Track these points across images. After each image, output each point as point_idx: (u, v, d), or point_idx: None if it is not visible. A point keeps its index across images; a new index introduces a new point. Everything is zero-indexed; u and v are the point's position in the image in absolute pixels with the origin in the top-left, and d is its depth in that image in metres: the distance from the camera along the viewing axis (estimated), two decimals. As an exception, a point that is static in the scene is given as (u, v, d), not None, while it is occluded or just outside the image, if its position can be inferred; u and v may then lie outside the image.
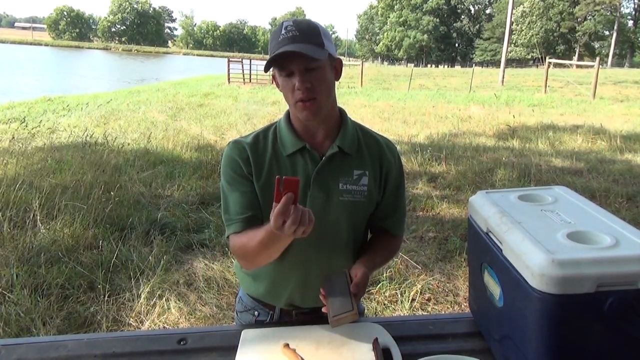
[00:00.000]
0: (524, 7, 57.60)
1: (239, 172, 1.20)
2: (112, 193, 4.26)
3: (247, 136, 1.25)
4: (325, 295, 1.13)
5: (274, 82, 1.19)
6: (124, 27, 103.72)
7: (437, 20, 71.62)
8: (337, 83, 1.23)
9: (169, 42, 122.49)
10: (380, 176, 1.26)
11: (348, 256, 1.29)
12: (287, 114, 1.26)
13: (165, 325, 2.66)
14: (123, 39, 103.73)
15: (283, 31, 1.10)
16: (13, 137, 6.27)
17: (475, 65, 56.26)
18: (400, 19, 71.94)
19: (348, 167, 1.22)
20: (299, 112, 1.15)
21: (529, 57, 58.69)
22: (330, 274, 1.18)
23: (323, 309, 1.12)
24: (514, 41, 55.91)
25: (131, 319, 2.71)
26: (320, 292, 1.15)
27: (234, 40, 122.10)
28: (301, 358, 1.08)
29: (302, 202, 1.19)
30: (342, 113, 1.27)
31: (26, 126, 6.97)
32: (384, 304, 2.95)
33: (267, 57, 1.13)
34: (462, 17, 78.27)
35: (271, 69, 1.16)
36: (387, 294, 3.02)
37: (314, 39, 1.10)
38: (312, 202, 1.19)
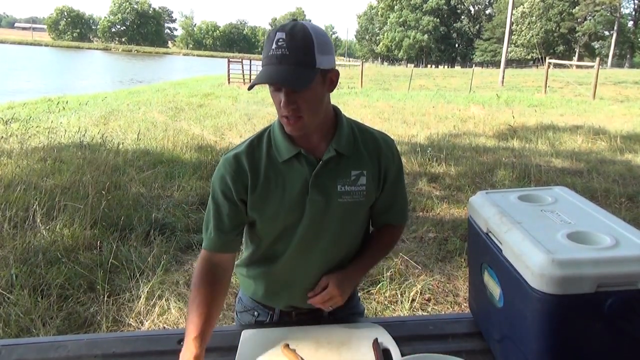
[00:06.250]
0: (523, 8, 57.65)
1: (226, 191, 1.17)
2: (111, 193, 4.26)
3: (240, 145, 1.21)
4: None
5: None
6: (124, 27, 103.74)
7: (437, 20, 71.65)
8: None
9: (169, 42, 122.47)
10: (379, 173, 1.23)
11: (349, 257, 1.28)
12: None
13: (165, 326, 2.65)
14: (123, 40, 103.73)
15: (274, 45, 1.02)
16: (16, 138, 6.27)
17: (475, 65, 56.26)
18: (400, 19, 71.99)
19: (345, 168, 1.19)
20: (284, 126, 1.13)
21: (529, 57, 58.74)
22: None
23: None
24: (514, 41, 55.97)
25: (131, 319, 2.70)
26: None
27: (234, 41, 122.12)
28: (301, 358, 1.08)
29: (301, 207, 1.18)
30: (336, 112, 1.22)
31: (23, 126, 6.97)
32: (384, 304, 2.94)
33: None
34: (462, 17, 78.28)
35: None
36: (387, 294, 3.02)
37: (306, 57, 1.03)
38: (311, 207, 1.17)
